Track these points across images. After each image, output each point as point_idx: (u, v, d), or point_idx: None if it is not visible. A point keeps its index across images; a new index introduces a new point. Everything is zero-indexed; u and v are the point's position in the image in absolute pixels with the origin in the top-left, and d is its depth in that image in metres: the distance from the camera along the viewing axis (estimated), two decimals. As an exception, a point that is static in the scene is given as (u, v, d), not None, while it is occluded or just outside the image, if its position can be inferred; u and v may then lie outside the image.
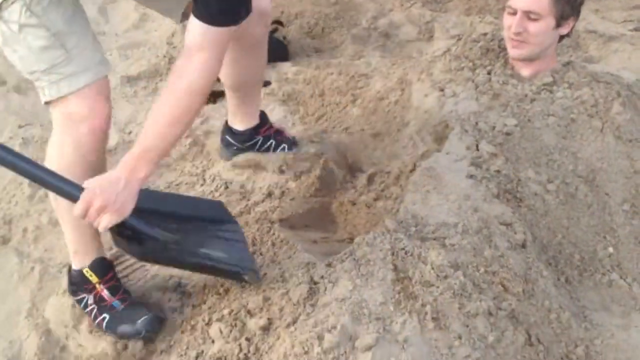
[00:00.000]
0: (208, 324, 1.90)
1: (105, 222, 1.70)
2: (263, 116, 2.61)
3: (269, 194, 2.43)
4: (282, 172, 2.52)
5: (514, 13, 2.44)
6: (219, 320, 1.87)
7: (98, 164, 1.91)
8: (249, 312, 1.87)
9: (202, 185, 2.54)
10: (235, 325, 1.84)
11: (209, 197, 2.47)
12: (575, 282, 2.05)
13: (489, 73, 2.62)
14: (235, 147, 2.59)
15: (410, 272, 1.82)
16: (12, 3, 1.72)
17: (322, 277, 1.86)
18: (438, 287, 1.78)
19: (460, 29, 3.67)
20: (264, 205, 2.37)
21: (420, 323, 1.71)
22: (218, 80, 3.22)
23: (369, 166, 2.60)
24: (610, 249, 2.12)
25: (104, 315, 2.00)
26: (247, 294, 1.93)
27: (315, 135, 2.73)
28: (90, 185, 1.70)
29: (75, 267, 2.04)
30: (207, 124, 2.85)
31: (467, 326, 1.73)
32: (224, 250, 1.90)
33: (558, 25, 2.46)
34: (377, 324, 1.67)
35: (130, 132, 2.77)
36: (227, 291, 1.98)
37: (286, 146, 2.61)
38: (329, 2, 3.75)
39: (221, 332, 1.83)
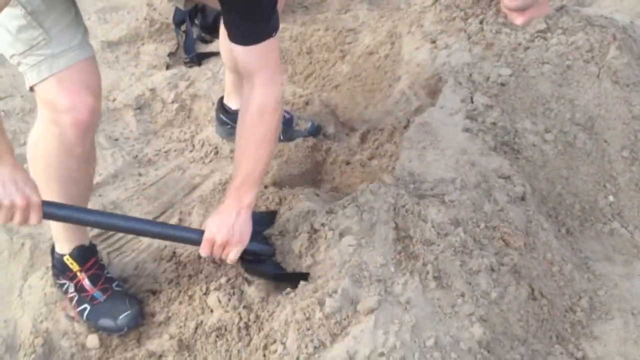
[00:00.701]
0: (206, 293, 1.86)
1: (233, 255, 1.78)
2: None
3: (261, 157, 2.36)
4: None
5: None
6: (216, 289, 1.83)
7: (86, 157, 1.81)
8: (246, 279, 1.84)
9: (191, 151, 2.48)
10: (234, 293, 1.81)
11: (200, 162, 2.42)
12: (576, 233, 2.02)
13: (481, 22, 2.55)
14: (229, 126, 2.47)
15: (411, 231, 1.78)
16: None
17: (322, 224, 1.82)
18: (439, 245, 1.75)
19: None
20: (256, 169, 2.31)
21: (422, 283, 1.68)
22: (205, 41, 3.19)
23: (361, 124, 2.54)
24: (611, 198, 2.08)
25: (85, 305, 1.93)
26: (243, 260, 1.89)
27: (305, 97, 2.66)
28: (208, 225, 1.77)
29: (57, 251, 1.95)
30: (192, 88, 2.77)
31: (470, 283, 1.71)
32: None
33: None
34: (379, 285, 1.64)
35: (114, 100, 2.69)
36: (222, 260, 1.94)
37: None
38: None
39: (219, 301, 1.80)
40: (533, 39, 2.45)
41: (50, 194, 1.73)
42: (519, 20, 2.49)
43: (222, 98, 2.51)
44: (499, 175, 1.98)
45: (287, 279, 1.83)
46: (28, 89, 1.71)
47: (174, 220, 2.17)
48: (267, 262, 1.88)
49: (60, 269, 1.95)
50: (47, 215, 1.60)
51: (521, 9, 2.42)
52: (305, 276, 1.79)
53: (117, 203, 2.25)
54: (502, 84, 2.29)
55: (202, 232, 1.78)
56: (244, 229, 1.79)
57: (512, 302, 1.73)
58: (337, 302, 1.60)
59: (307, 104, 2.65)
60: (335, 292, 1.62)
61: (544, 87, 2.26)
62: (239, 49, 1.74)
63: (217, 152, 2.43)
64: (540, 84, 2.26)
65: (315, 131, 2.49)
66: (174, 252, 2.04)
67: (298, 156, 2.34)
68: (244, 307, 1.77)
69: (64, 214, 1.66)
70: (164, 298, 1.92)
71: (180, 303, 1.88)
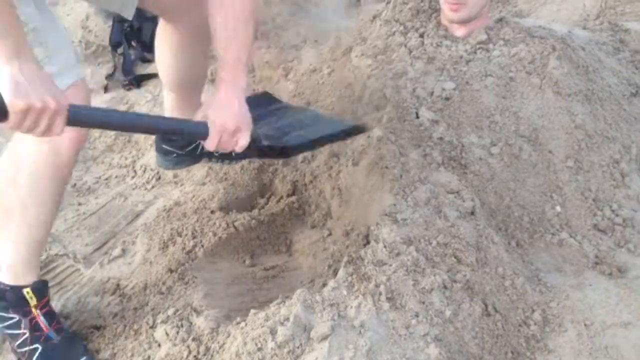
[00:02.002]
0: (153, 326, 1.79)
1: (244, 140, 1.70)
2: None
3: (204, 182, 2.30)
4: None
5: None
6: (164, 321, 1.76)
7: (67, 179, 1.74)
8: (195, 310, 1.78)
9: (133, 177, 2.40)
10: (182, 325, 1.74)
11: (142, 189, 2.34)
12: (526, 245, 2.02)
13: (421, 36, 2.54)
14: (174, 155, 2.31)
15: (362, 252, 1.75)
16: None
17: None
18: (391, 265, 1.72)
19: (389, -15, 3.59)
20: (201, 193, 2.25)
21: (376, 305, 1.64)
22: (146, 61, 3.11)
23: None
24: (558, 208, 2.09)
25: (36, 345, 1.79)
26: (191, 290, 1.83)
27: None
28: (212, 115, 1.67)
29: (10, 282, 1.78)
30: (132, 111, 2.69)
31: (423, 303, 1.68)
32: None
33: None
34: (332, 310, 1.60)
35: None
36: (169, 289, 1.87)
37: None
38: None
39: (167, 334, 1.73)
40: (475, 51, 2.45)
41: (25, 219, 1.67)
42: (459, 31, 2.52)
43: None
44: (448, 191, 1.97)
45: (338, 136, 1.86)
46: None
47: (116, 252, 2.09)
48: (284, 138, 1.83)
49: (13, 302, 1.79)
50: (71, 121, 1.43)
51: (462, 21, 2.45)
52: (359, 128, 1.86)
53: (56, 235, 2.16)
54: (447, 98, 2.28)
55: (204, 124, 1.67)
56: (248, 113, 1.72)
57: (467, 320, 1.71)
58: (289, 330, 1.55)
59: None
60: (287, 319, 1.58)
61: (488, 99, 2.26)
62: None
63: (159, 178, 2.37)
64: (484, 96, 2.26)
65: None
66: (118, 285, 1.96)
67: (244, 179, 2.29)
68: (193, 339, 1.70)
69: (88, 115, 1.51)
70: (109, 334, 1.84)
71: (126, 338, 1.81)
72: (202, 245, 2.01)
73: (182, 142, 2.31)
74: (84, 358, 1.80)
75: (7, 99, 1.31)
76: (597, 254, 1.97)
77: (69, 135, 1.58)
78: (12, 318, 1.80)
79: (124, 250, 2.10)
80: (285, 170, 2.31)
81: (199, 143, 2.29)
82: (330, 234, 2.11)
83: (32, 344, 1.79)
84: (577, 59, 2.45)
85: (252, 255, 2.09)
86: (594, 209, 2.09)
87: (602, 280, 1.87)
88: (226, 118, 1.67)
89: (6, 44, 1.33)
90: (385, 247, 1.75)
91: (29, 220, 1.68)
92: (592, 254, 1.96)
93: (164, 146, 2.33)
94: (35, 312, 1.79)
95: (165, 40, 2.11)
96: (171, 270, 1.95)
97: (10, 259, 1.77)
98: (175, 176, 2.35)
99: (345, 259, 1.76)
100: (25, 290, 1.78)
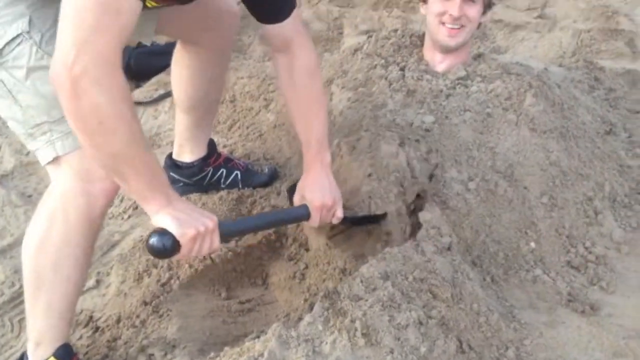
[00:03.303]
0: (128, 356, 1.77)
1: (339, 212, 1.87)
2: (212, 145, 2.41)
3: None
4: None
5: None
6: (136, 356, 1.74)
7: (97, 235, 1.72)
8: (168, 344, 1.76)
9: (110, 206, 2.37)
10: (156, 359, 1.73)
11: (119, 218, 2.33)
12: (501, 281, 2.04)
13: (402, 69, 2.58)
14: (181, 184, 2.36)
15: (338, 286, 1.75)
16: (19, 44, 1.51)
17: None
18: (367, 300, 1.72)
19: (369, 24, 3.65)
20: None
21: (351, 340, 1.64)
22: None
23: (287, 173, 2.51)
24: (533, 244, 2.11)
25: None
26: (165, 323, 1.82)
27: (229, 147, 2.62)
28: (308, 196, 1.83)
29: (35, 358, 1.72)
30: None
31: (399, 339, 1.67)
32: None
33: (483, 12, 2.47)
34: (307, 346, 1.59)
35: (28, 153, 2.56)
36: (143, 322, 1.85)
37: (239, 173, 2.42)
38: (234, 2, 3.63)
39: (141, 368, 1.71)
40: (454, 86, 2.49)
41: (58, 286, 1.64)
42: (440, 66, 2.56)
43: (170, 155, 2.40)
44: (428, 226, 1.98)
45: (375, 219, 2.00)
46: (50, 160, 1.59)
47: (90, 283, 2.07)
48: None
49: None
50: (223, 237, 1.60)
51: (458, 47, 2.49)
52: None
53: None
54: (427, 130, 2.31)
55: (304, 206, 1.84)
56: (337, 187, 1.89)
57: (441, 356, 1.70)
58: (264, 366, 1.54)
59: (231, 153, 2.60)
60: (261, 355, 1.56)
61: (466, 134, 2.29)
62: (274, 27, 1.76)
63: (136, 208, 2.35)
64: (462, 131, 2.29)
65: (275, 174, 2.44)
66: (91, 317, 1.94)
67: (222, 210, 2.28)
68: (167, 374, 1.69)
69: (236, 228, 1.77)
70: (81, 367, 1.82)
71: (99, 372, 1.79)
72: (178, 277, 1.99)
73: (191, 171, 2.35)
74: None
75: (177, 234, 1.47)
76: (571, 291, 1.98)
77: (103, 186, 1.60)
78: None
79: (98, 282, 2.08)
80: (264, 202, 2.31)
81: (208, 171, 2.37)
82: (306, 267, 2.11)
83: None
84: (553, 96, 2.49)
85: (228, 287, 2.08)
86: (567, 246, 2.11)
87: (575, 318, 1.88)
88: (322, 197, 1.82)
89: (157, 194, 1.47)
90: (362, 281, 1.76)
91: (62, 284, 1.65)
92: (565, 291, 1.98)
93: (171, 174, 2.36)
94: None
95: (183, 63, 2.16)
96: (145, 303, 1.93)
97: (39, 335, 1.71)
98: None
99: (321, 293, 1.76)
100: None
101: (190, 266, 2.03)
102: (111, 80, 1.32)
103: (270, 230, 2.22)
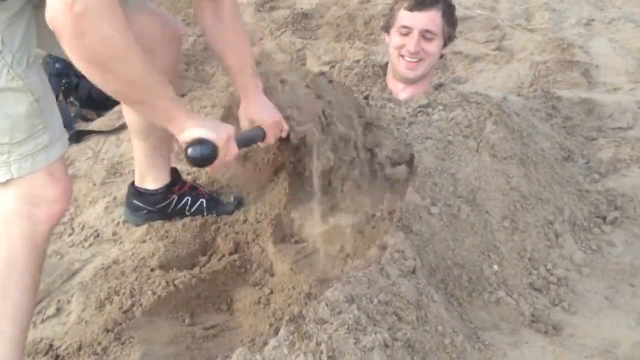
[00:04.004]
0: (86, 388, 1.73)
1: (286, 125, 1.98)
2: (175, 172, 2.41)
3: (144, 240, 2.26)
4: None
5: (408, 33, 2.48)
6: (98, 383, 1.70)
7: (42, 260, 1.68)
8: (131, 369, 1.72)
9: (70, 235, 2.34)
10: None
11: (80, 246, 2.29)
12: (465, 303, 2.05)
13: (366, 98, 2.62)
14: (145, 211, 2.35)
15: (303, 310, 1.74)
16: None
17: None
18: (332, 323, 1.71)
19: (332, 55, 3.70)
20: (141, 251, 2.21)
21: (317, 364, 1.62)
22: (85, 119, 3.08)
23: (252, 201, 2.50)
24: (495, 267, 2.14)
25: None
26: (127, 350, 1.78)
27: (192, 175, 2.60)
28: (258, 116, 1.93)
29: None
30: (72, 168, 2.64)
31: (364, 362, 1.67)
32: None
33: (444, 45, 2.53)
34: (272, 370, 1.57)
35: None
36: (105, 350, 1.81)
37: (204, 201, 2.40)
38: (196, 33, 3.66)
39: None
40: (416, 114, 2.54)
41: (9, 311, 1.60)
42: (403, 95, 2.61)
43: (132, 183, 2.36)
44: (393, 250, 1.99)
45: None
46: (1, 181, 1.56)
47: (50, 311, 2.02)
48: None
49: None
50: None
51: (417, 79, 2.55)
52: None
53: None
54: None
55: (258, 127, 1.94)
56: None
57: (407, 378, 1.70)
58: (228, 391, 1.52)
59: (194, 181, 2.59)
60: (226, 380, 1.55)
61: (428, 161, 2.32)
62: None
63: (97, 236, 2.32)
64: (425, 158, 2.32)
65: (240, 203, 2.42)
66: (51, 345, 1.89)
67: (186, 236, 2.26)
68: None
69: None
70: (39, 397, 1.76)
71: (58, 402, 1.74)
72: (141, 304, 1.96)
73: (155, 199, 2.32)
74: None
75: (213, 138, 1.61)
76: (533, 312, 2.00)
77: (47, 211, 1.59)
78: None
79: (58, 310, 2.03)
80: (228, 229, 2.30)
81: (173, 199, 2.35)
82: (271, 292, 2.09)
83: None
84: (512, 124, 2.55)
85: (192, 314, 2.05)
86: (529, 268, 2.14)
87: (538, 339, 1.90)
88: (272, 114, 1.94)
89: (183, 110, 1.59)
90: (327, 305, 1.75)
91: (11, 311, 1.61)
92: (528, 312, 2.00)
93: (134, 202, 2.33)
94: None
95: None
96: (107, 330, 1.89)
97: None
98: (114, 234, 2.30)
99: (286, 317, 1.75)
100: None
101: (154, 293, 1.99)
102: (113, 13, 1.38)
103: (235, 256, 2.21)
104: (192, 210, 2.39)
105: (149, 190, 2.33)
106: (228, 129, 1.67)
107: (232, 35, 1.93)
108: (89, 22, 1.34)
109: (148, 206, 2.35)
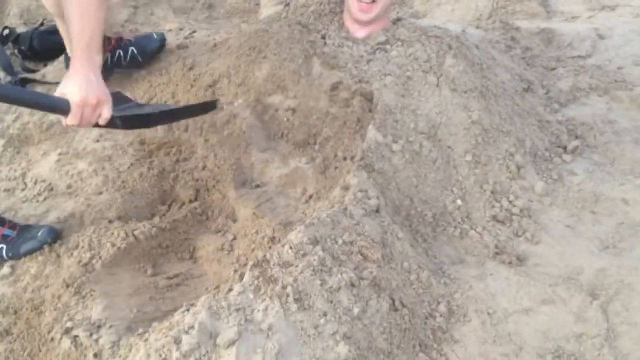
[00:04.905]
0: (49, 345, 1.69)
1: (106, 112, 1.78)
2: None
3: (101, 192, 2.20)
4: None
5: None
6: (60, 339, 1.66)
7: None
8: (93, 324, 1.69)
9: (23, 190, 2.26)
10: (81, 343, 1.65)
11: (34, 201, 2.21)
12: (430, 239, 2.05)
13: (323, 37, 2.55)
14: None
15: (268, 255, 1.71)
16: None
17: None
18: (297, 266, 1.69)
19: (287, -8, 3.59)
20: (98, 204, 2.15)
21: (284, 307, 1.61)
22: (28, 70, 2.95)
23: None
24: (459, 202, 2.13)
25: (0, 246, 2.00)
26: (89, 303, 1.74)
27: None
28: (71, 90, 1.73)
29: None
30: (20, 120, 2.54)
31: (332, 302, 1.66)
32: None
33: None
34: (238, 315, 1.55)
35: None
36: (66, 305, 1.77)
37: (133, 49, 2.61)
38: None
39: (67, 353, 1.63)
40: (374, 51, 2.48)
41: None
42: (361, 33, 2.54)
43: (66, 55, 2.59)
44: (356, 190, 1.96)
45: (190, 112, 2.14)
46: None
47: (5, 270, 1.96)
48: (144, 108, 2.02)
49: None
50: None
51: (370, 22, 2.48)
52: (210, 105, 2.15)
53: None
54: (349, 97, 2.29)
55: (64, 100, 1.72)
56: (106, 87, 1.80)
57: (375, 316, 1.70)
58: (194, 338, 1.49)
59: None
60: (192, 327, 1.52)
61: (388, 98, 2.28)
62: None
63: (52, 190, 2.24)
64: (384, 95, 2.28)
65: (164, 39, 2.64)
66: (8, 305, 1.84)
67: (144, 186, 2.20)
68: (95, 355, 1.62)
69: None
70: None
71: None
72: (100, 257, 1.91)
73: None
74: (43, 230, 2.01)
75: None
76: (497, 244, 2.01)
77: None
78: None
79: (13, 267, 1.98)
80: (187, 177, 2.24)
81: (107, 57, 2.54)
82: (235, 239, 2.06)
83: None
84: (472, 57, 2.52)
85: (155, 264, 2.01)
86: (492, 201, 2.14)
87: (503, 270, 1.91)
88: (85, 93, 1.72)
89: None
90: (291, 248, 1.73)
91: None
92: (492, 245, 2.01)
93: None
94: None
95: None
96: (67, 285, 1.84)
97: None
98: (69, 187, 2.23)
99: (251, 262, 1.72)
100: None
101: (113, 245, 1.94)
102: None
103: (196, 204, 2.16)
104: (127, 60, 2.63)
105: None
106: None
107: (85, 2, 1.83)
108: None
109: None
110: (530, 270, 1.91)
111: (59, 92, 1.75)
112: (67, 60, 2.58)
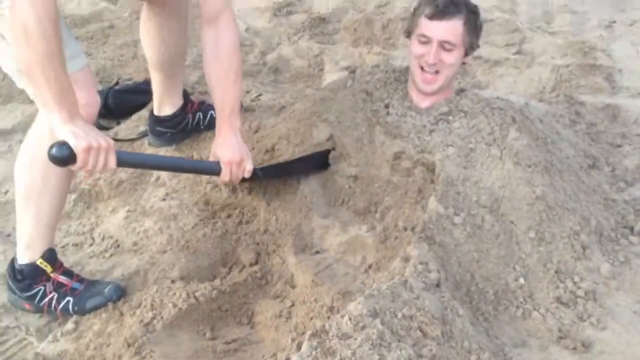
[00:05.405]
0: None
1: (249, 166, 2.16)
2: (185, 94, 2.76)
3: (165, 250, 2.25)
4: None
5: (427, 42, 2.42)
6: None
7: None
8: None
9: (91, 245, 2.33)
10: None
11: (100, 257, 2.27)
12: (491, 318, 2.01)
13: (386, 106, 2.58)
14: (168, 134, 2.73)
15: (326, 325, 1.71)
16: None
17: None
18: (356, 339, 1.68)
19: (350, 60, 3.66)
20: (161, 262, 2.19)
21: (341, 381, 1.59)
22: (104, 128, 3.08)
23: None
24: (521, 280, 2.09)
25: (67, 299, 2.06)
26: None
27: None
28: (219, 153, 2.15)
29: (24, 261, 2.05)
30: (92, 176, 2.63)
31: (389, 379, 1.64)
32: None
33: (465, 54, 2.47)
34: (296, 387, 1.55)
35: (7, 192, 2.51)
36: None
37: (213, 112, 2.64)
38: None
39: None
40: (437, 121, 2.49)
41: (45, 196, 1.97)
42: (424, 102, 2.57)
43: (151, 112, 2.75)
44: (416, 262, 1.95)
45: (310, 161, 2.35)
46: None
47: (70, 325, 2.01)
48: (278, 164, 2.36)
49: (31, 277, 2.05)
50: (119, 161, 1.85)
51: (434, 93, 2.50)
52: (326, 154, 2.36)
53: (8, 307, 2.07)
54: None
55: (215, 162, 2.15)
56: (245, 147, 2.19)
57: (433, 396, 1.67)
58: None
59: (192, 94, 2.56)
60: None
61: (450, 169, 2.28)
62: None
63: (118, 246, 2.30)
64: (446, 166, 2.29)
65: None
66: None
67: (207, 247, 2.24)
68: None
69: (129, 157, 2.03)
70: None
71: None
72: (162, 317, 1.94)
73: (174, 122, 2.72)
74: (109, 286, 2.07)
75: (72, 144, 1.72)
76: (561, 327, 1.96)
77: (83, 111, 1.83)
78: (37, 290, 2.06)
79: (77, 323, 2.02)
80: (248, 239, 2.27)
81: (188, 119, 2.78)
82: (293, 305, 2.07)
83: (62, 299, 2.06)
84: (536, 130, 2.50)
85: (213, 327, 2.03)
86: (556, 281, 2.09)
87: (567, 356, 1.85)
88: (231, 153, 2.12)
89: (63, 109, 1.73)
90: (350, 319, 1.72)
91: (48, 198, 1.97)
92: (555, 328, 1.95)
93: (157, 128, 2.75)
94: (54, 275, 2.07)
95: (150, 24, 2.51)
96: (128, 345, 1.87)
97: (29, 239, 2.04)
98: (134, 244, 2.29)
99: (309, 331, 1.72)
100: (38, 262, 2.04)
101: (174, 305, 1.97)
102: (42, 4, 1.65)
103: (256, 267, 2.18)
104: (206, 123, 2.80)
105: (167, 115, 2.71)
106: (99, 141, 1.76)
107: (223, 70, 2.13)
108: (21, 4, 1.64)
109: (170, 129, 2.74)
110: (596, 358, 1.84)
111: (212, 156, 2.18)
112: (151, 119, 2.79)
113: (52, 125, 1.76)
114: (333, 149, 2.43)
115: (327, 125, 2.55)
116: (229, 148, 2.13)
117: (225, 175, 2.13)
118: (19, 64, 1.75)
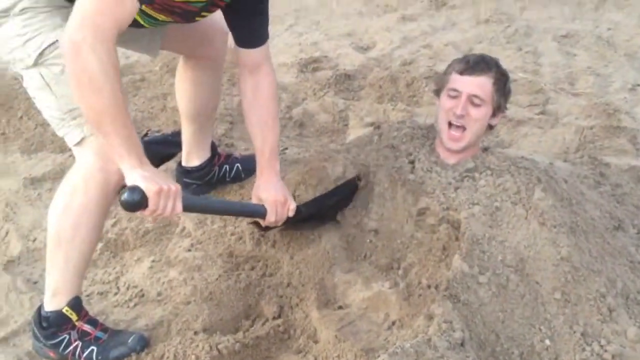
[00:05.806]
0: None
1: (292, 205, 2.23)
2: (213, 146, 2.83)
3: (189, 301, 2.25)
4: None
5: (457, 96, 2.46)
6: None
7: (109, 206, 2.04)
8: None
9: (115, 294, 2.34)
10: None
11: (125, 306, 2.29)
12: (516, 380, 1.98)
13: (412, 162, 2.60)
14: (194, 186, 2.77)
15: (348, 385, 1.70)
16: (57, 47, 1.84)
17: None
18: (380, 399, 1.67)
19: (374, 116, 3.71)
20: (185, 313, 2.20)
21: None
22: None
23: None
24: (547, 341, 2.07)
25: (91, 348, 2.06)
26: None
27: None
28: (263, 195, 2.22)
29: (50, 309, 2.05)
30: (118, 225, 2.67)
31: None
32: None
33: (493, 115, 2.50)
34: None
35: (35, 239, 2.55)
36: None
37: (239, 165, 2.85)
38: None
39: None
40: (462, 179, 2.51)
41: (75, 244, 1.97)
42: (451, 159, 2.59)
43: (179, 163, 2.80)
44: (440, 320, 1.94)
45: (341, 192, 2.41)
46: (77, 141, 1.93)
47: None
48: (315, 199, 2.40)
49: (57, 325, 2.05)
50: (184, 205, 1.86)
51: (461, 150, 2.53)
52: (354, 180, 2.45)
53: (33, 355, 2.08)
54: (438, 224, 2.30)
55: (260, 205, 2.20)
56: (285, 187, 2.28)
57: None
58: None
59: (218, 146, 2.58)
60: None
61: (475, 227, 2.28)
62: (249, 51, 2.20)
63: (142, 296, 2.32)
64: (472, 224, 2.29)
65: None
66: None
67: (230, 299, 2.25)
68: None
69: (198, 202, 2.11)
70: None
71: None
72: (184, 370, 1.94)
73: (201, 174, 2.77)
74: (133, 336, 2.08)
75: (144, 188, 1.73)
76: (589, 391, 1.93)
77: (118, 169, 1.84)
78: (62, 338, 2.07)
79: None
80: (271, 292, 2.28)
81: (215, 171, 2.83)
82: (315, 360, 2.05)
83: (86, 348, 2.07)
84: (561, 191, 2.50)
85: (236, 380, 2.02)
86: (582, 343, 2.06)
87: (596, 421, 1.81)
88: (275, 194, 2.19)
89: (132, 154, 1.77)
90: (373, 378, 1.71)
91: (79, 243, 1.98)
92: (584, 392, 1.92)
93: (184, 180, 2.78)
94: (79, 323, 2.08)
95: (185, 76, 2.60)
96: (150, 395, 1.87)
97: (57, 286, 2.05)
98: (159, 294, 2.30)
99: (332, 389, 1.71)
100: (64, 310, 2.05)
101: (197, 358, 1.97)
102: (103, 49, 1.66)
103: (279, 321, 2.18)
104: (232, 175, 2.87)
105: (195, 167, 2.77)
106: (168, 185, 1.78)
107: (263, 116, 2.24)
108: (82, 51, 1.64)
109: (196, 181, 2.78)
110: None
111: (255, 199, 2.24)
112: (179, 170, 2.85)
113: (123, 170, 1.79)
114: (358, 178, 2.50)
115: (341, 159, 2.60)
116: (272, 189, 2.21)
117: (271, 216, 2.18)
118: (86, 113, 1.75)
